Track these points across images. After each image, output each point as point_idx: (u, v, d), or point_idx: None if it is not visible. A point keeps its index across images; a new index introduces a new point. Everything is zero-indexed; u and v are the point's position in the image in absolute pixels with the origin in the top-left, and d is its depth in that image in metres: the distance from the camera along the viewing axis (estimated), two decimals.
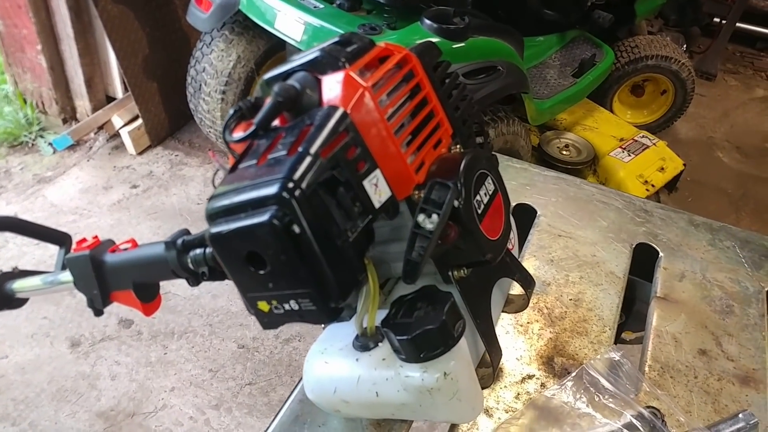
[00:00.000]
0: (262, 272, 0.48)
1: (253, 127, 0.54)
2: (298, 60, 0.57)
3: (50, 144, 2.79)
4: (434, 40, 1.79)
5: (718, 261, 0.89)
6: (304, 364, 0.59)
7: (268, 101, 0.54)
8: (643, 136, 2.46)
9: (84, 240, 0.88)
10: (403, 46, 0.60)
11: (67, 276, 0.74)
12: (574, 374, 0.70)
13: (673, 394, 0.71)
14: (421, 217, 0.50)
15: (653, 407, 0.67)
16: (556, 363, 0.73)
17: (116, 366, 1.94)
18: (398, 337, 0.48)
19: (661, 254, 0.90)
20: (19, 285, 0.97)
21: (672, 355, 0.75)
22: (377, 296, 0.53)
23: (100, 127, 2.87)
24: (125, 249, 0.76)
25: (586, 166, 2.43)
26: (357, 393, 0.54)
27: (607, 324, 0.78)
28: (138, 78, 2.67)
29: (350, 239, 0.48)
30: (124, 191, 2.62)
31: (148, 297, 0.75)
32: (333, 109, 0.51)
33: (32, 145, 2.86)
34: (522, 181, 1.01)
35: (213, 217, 0.49)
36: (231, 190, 0.49)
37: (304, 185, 0.46)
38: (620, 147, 2.40)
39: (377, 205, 0.51)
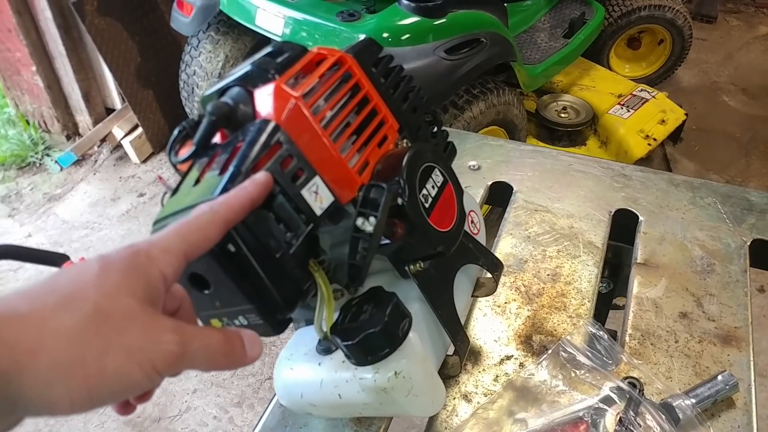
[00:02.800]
0: (206, 292, 0.49)
1: (193, 147, 0.55)
2: (232, 75, 0.57)
3: (56, 162, 2.84)
4: (414, 19, 1.78)
5: (699, 219, 0.88)
6: (274, 371, 0.61)
7: (204, 120, 0.54)
8: (641, 90, 2.41)
9: (71, 262, 0.90)
10: (337, 49, 0.60)
11: None
12: (549, 352, 0.70)
13: (653, 361, 0.71)
14: (359, 221, 0.51)
15: (633, 377, 0.68)
16: (535, 341, 0.74)
17: None
18: (344, 343, 0.49)
19: (641, 218, 0.89)
20: None
21: (653, 322, 0.75)
22: (331, 300, 0.53)
23: (103, 140, 2.91)
24: None
25: (585, 126, 2.39)
26: (321, 396, 0.55)
27: (586, 296, 0.78)
28: (133, 87, 2.69)
29: (291, 251, 0.49)
30: (132, 201, 2.66)
31: None
32: (265, 122, 0.52)
33: (39, 164, 2.92)
34: (498, 158, 1.01)
35: None
36: (171, 213, 0.50)
37: None
38: (619, 104, 2.36)
39: (319, 212, 0.52)
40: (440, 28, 1.80)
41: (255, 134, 0.51)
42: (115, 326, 0.33)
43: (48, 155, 2.93)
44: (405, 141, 0.63)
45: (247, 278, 0.47)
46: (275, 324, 0.49)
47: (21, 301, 0.32)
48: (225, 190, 0.47)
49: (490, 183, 0.95)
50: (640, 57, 2.86)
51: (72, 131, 2.97)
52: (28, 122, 2.98)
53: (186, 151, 0.56)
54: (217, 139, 0.57)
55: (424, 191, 0.57)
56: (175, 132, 0.58)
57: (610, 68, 2.73)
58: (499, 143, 1.03)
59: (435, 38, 1.78)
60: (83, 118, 2.90)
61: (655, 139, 2.25)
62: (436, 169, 0.60)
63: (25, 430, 1.89)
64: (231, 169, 0.48)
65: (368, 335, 0.48)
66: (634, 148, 2.23)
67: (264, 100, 0.53)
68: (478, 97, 1.91)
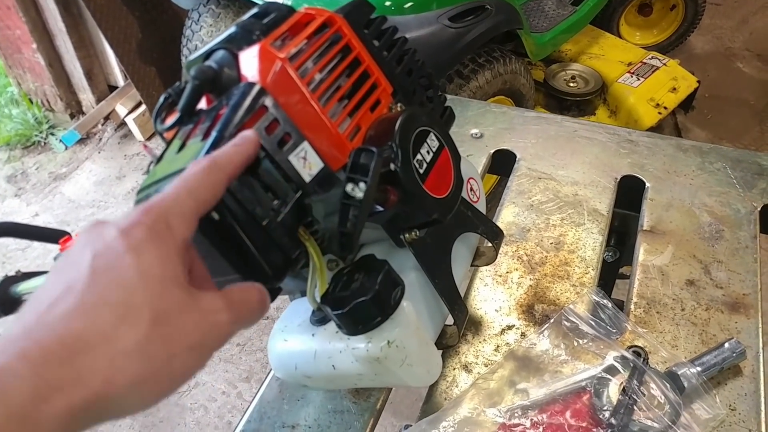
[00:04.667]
0: None
1: (177, 114, 0.53)
2: (217, 38, 0.55)
3: (60, 141, 2.83)
4: None
5: (708, 185, 0.85)
6: (268, 343, 0.60)
7: (188, 86, 0.52)
8: (652, 58, 2.35)
9: (69, 238, 0.89)
10: (326, 9, 0.58)
11: None
12: (552, 321, 0.68)
13: (659, 330, 0.69)
14: (349, 187, 0.49)
15: (637, 346, 0.66)
16: (537, 311, 0.72)
17: None
18: (334, 312, 0.47)
19: (647, 185, 0.87)
20: (24, 287, 1.00)
21: (659, 290, 0.73)
22: (324, 269, 0.52)
23: (107, 118, 2.90)
24: None
25: (595, 95, 2.34)
26: (316, 367, 0.54)
27: (590, 264, 0.76)
28: (135, 64, 2.67)
29: (278, 218, 0.47)
30: (137, 178, 2.66)
31: None
32: (249, 85, 0.49)
33: (44, 143, 2.91)
34: (501, 125, 0.98)
35: None
36: (154, 181, 0.48)
37: None
38: (628, 72, 2.30)
39: (307, 179, 0.50)
40: None
41: (239, 98, 0.49)
42: (174, 328, 0.33)
43: (52, 134, 2.92)
44: (399, 105, 0.61)
45: (234, 247, 0.45)
46: None
47: (77, 318, 0.31)
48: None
49: (492, 151, 0.93)
50: (652, 24, 2.78)
51: (75, 109, 2.96)
52: (31, 101, 2.97)
53: (172, 119, 0.54)
54: (203, 104, 0.55)
55: (419, 156, 0.55)
56: (161, 99, 0.56)
57: (620, 36, 2.66)
58: (502, 110, 1.00)
59: (439, 6, 1.74)
60: (86, 96, 2.88)
61: (665, 108, 2.19)
62: (432, 134, 0.57)
63: None
64: (214, 134, 0.46)
65: (359, 304, 0.46)
66: (644, 117, 2.18)
67: (249, 62, 0.51)
68: (484, 66, 1.86)
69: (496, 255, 0.68)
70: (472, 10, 1.78)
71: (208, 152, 0.45)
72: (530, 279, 0.75)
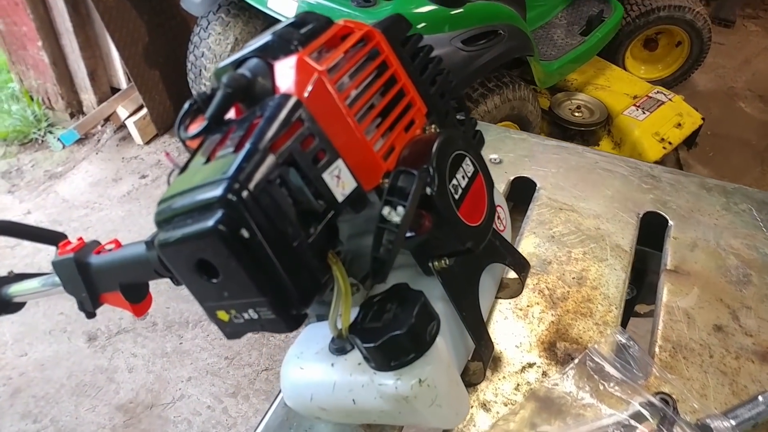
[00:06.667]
0: (215, 281, 0.44)
1: (204, 122, 0.50)
2: (251, 46, 0.52)
3: (59, 139, 2.79)
4: (431, 7, 1.73)
5: (733, 226, 0.83)
6: (281, 369, 0.56)
7: (218, 93, 0.49)
8: (657, 92, 2.36)
9: (68, 242, 0.85)
10: (364, 23, 0.55)
11: None
12: (576, 361, 0.66)
13: (686, 376, 0.66)
14: (386, 210, 0.46)
15: (664, 393, 0.63)
16: (559, 348, 0.69)
17: (133, 358, 1.95)
18: (365, 345, 0.44)
19: (670, 222, 0.84)
20: (15, 289, 0.96)
21: (684, 333, 0.70)
22: (349, 295, 0.49)
23: (107, 120, 2.86)
24: (110, 250, 0.74)
25: (599, 126, 2.34)
26: (334, 400, 0.50)
27: (614, 302, 0.74)
28: (140, 67, 2.64)
29: (309, 239, 0.44)
30: (134, 182, 2.61)
31: (136, 298, 0.74)
32: (285, 97, 0.47)
33: (42, 141, 2.87)
34: (521, 152, 0.96)
35: (160, 223, 0.46)
36: (178, 193, 0.45)
37: (251, 185, 0.42)
38: (634, 105, 2.31)
39: (340, 198, 0.47)
40: (458, 17, 1.74)
41: (275, 110, 0.46)
42: None
43: (51, 132, 2.88)
44: (433, 126, 0.58)
45: (261, 268, 0.42)
46: (289, 319, 0.44)
47: None
48: (240, 169, 0.42)
49: (512, 178, 0.90)
50: (656, 59, 2.80)
51: (76, 109, 2.92)
52: (32, 98, 2.93)
53: (197, 127, 0.51)
54: (231, 114, 0.52)
55: (454, 181, 0.52)
56: (186, 105, 0.54)
57: (625, 68, 2.67)
58: (521, 136, 0.98)
59: (452, 28, 1.73)
60: (88, 96, 2.85)
61: (670, 143, 2.19)
62: (467, 158, 0.55)
63: (16, 411, 1.85)
64: (247, 146, 0.43)
65: (393, 338, 0.43)
66: (648, 151, 2.18)
67: (285, 73, 0.48)
68: (493, 91, 1.86)
69: (522, 288, 0.65)
70: (485, 34, 1.77)
71: (241, 164, 0.42)
72: (552, 314, 0.72)
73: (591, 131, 2.34)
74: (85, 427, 1.81)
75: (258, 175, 0.42)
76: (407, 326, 0.43)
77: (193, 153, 0.50)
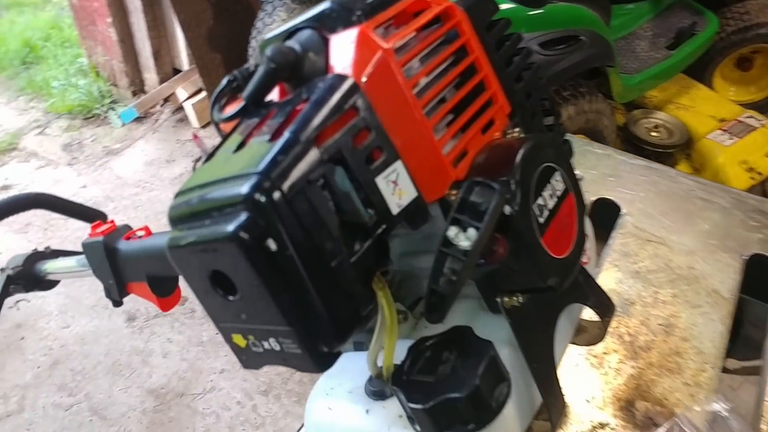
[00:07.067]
0: (231, 299, 0.35)
1: (242, 102, 0.42)
2: (305, 15, 0.43)
3: (119, 116, 2.81)
4: (508, 6, 1.61)
5: None
6: (307, 402, 0.47)
7: (260, 68, 0.41)
8: (749, 116, 2.16)
9: (101, 224, 0.80)
10: None
11: None
12: (663, 430, 0.54)
13: None
14: (452, 231, 0.36)
15: None
16: (638, 409, 0.57)
17: (168, 344, 1.92)
18: (411, 405, 0.34)
19: None
20: (50, 266, 0.91)
21: None
22: (395, 328, 0.39)
23: (166, 100, 2.86)
24: (140, 237, 0.68)
25: (678, 149, 2.16)
26: None
27: (708, 360, 0.61)
28: (202, 50, 2.62)
29: (352, 258, 0.35)
30: (186, 165, 2.60)
31: (164, 291, 0.68)
32: (339, 78, 0.38)
33: (104, 117, 2.90)
34: (604, 170, 0.84)
35: (175, 220, 0.37)
36: (198, 185, 0.37)
37: (286, 185, 0.33)
38: (720, 129, 2.12)
39: (396, 210, 0.37)
40: (536, 18, 1.62)
41: (325, 92, 0.37)
42: None
43: (113, 109, 2.90)
44: (516, 130, 0.48)
45: (289, 290, 0.33)
46: (317, 357, 0.35)
47: None
48: (274, 162, 0.33)
49: (593, 199, 0.79)
50: (750, 80, 2.57)
51: (138, 87, 2.94)
52: (98, 74, 2.96)
53: (233, 108, 0.43)
54: (274, 95, 0.43)
55: (540, 200, 0.42)
56: (224, 82, 0.45)
57: (712, 88, 2.47)
58: (606, 152, 0.86)
59: (529, 29, 1.61)
60: (150, 75, 2.86)
61: (759, 173, 2.00)
62: (558, 173, 0.44)
63: (53, 382, 1.85)
64: (286, 135, 0.35)
65: (449, 401, 0.33)
66: (733, 180, 1.99)
67: (343, 48, 0.39)
68: (568, 101, 1.72)
69: (603, 335, 0.54)
70: (564, 38, 1.64)
71: (276, 157, 0.33)
72: (632, 366, 0.61)
73: (668, 153, 2.16)
74: (117, 407, 1.78)
75: (296, 173, 0.33)
76: (470, 389, 0.33)
77: (225, 138, 0.42)
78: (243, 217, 0.32)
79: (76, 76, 3.07)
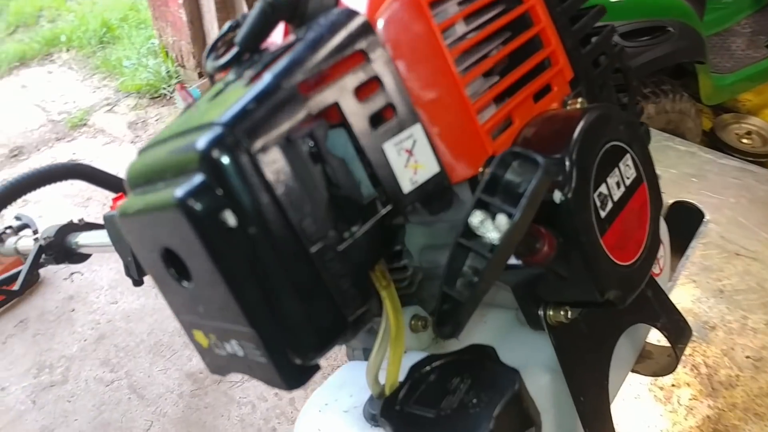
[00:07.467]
0: (185, 285, 0.27)
1: (235, 48, 0.34)
2: None
3: None
4: None
5: None
6: (298, 416, 0.39)
7: (255, 7, 0.33)
8: None
9: (122, 196, 0.75)
10: None
11: None
12: None
13: None
14: (476, 217, 0.27)
15: None
16: None
17: None
18: None
19: None
20: (82, 239, 0.88)
21: None
22: (401, 337, 0.31)
23: None
24: None
25: None
26: None
27: None
28: None
29: (341, 246, 0.26)
30: None
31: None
32: (347, 14, 0.29)
33: (170, 97, 2.94)
34: (686, 169, 0.72)
35: (131, 182, 0.30)
36: (161, 139, 0.29)
37: (256, 144, 0.25)
38: None
39: (408, 187, 0.29)
40: (619, 6, 1.49)
41: (327, 29, 0.29)
42: None
43: None
44: (579, 101, 0.38)
45: (252, 279, 0.25)
46: (287, 370, 0.27)
47: None
48: (243, 112, 0.25)
49: (671, 202, 0.67)
50: None
51: None
52: (167, 54, 3.01)
53: (229, 55, 0.35)
54: (278, 40, 0.35)
55: (603, 188, 0.32)
56: (225, 27, 0.38)
57: None
58: (689, 149, 0.74)
59: (611, 18, 1.47)
60: None
61: None
62: (629, 157, 0.34)
63: (97, 356, 1.86)
64: (267, 78, 0.26)
65: None
66: None
67: None
68: (649, 98, 1.57)
69: (676, 364, 0.43)
70: (650, 29, 1.49)
71: (246, 105, 0.25)
72: (709, 406, 0.49)
73: (760, 163, 1.96)
74: (156, 387, 1.78)
75: (271, 128, 0.25)
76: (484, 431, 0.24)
77: (209, 88, 0.34)
78: (196, 180, 0.24)
79: (147, 56, 3.13)
